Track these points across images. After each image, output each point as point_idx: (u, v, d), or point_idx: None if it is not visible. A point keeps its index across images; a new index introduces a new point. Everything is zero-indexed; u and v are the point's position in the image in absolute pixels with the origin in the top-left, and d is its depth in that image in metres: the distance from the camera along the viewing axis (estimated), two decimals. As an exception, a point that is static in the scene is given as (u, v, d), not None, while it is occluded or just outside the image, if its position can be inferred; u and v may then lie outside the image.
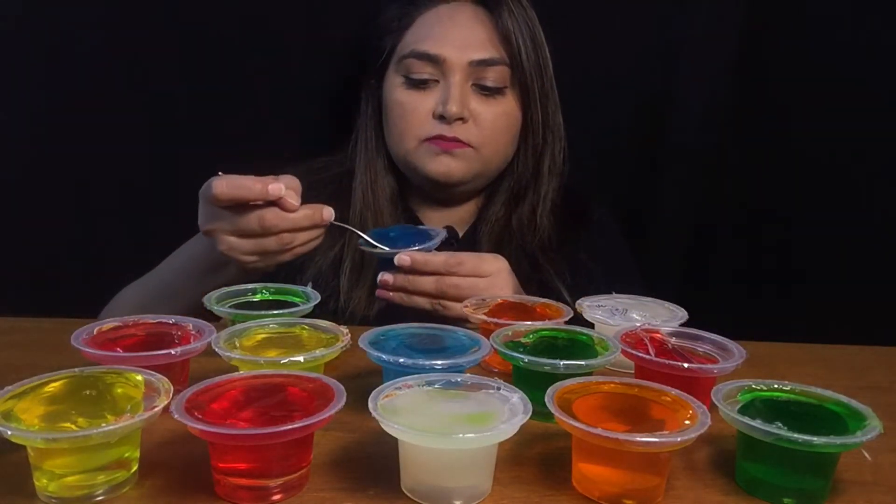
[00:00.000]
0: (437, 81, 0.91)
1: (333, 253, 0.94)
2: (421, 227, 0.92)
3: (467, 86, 0.91)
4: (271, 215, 0.72)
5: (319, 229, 0.77)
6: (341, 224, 0.79)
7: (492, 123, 0.91)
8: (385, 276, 0.78)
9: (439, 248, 0.80)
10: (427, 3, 0.94)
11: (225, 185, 0.70)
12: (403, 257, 0.76)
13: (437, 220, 0.99)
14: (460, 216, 1.00)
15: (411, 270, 0.77)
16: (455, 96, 0.89)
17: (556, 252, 0.96)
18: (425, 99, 0.91)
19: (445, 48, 0.90)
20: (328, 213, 0.76)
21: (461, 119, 0.90)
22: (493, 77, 0.90)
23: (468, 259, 0.77)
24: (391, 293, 0.79)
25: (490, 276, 0.78)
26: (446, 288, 0.76)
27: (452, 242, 0.97)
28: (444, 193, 0.96)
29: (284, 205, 0.73)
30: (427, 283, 0.76)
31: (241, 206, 0.72)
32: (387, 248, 0.78)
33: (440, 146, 0.90)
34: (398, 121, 0.93)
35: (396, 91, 0.93)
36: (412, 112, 0.91)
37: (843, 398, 0.50)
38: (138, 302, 0.86)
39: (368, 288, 0.91)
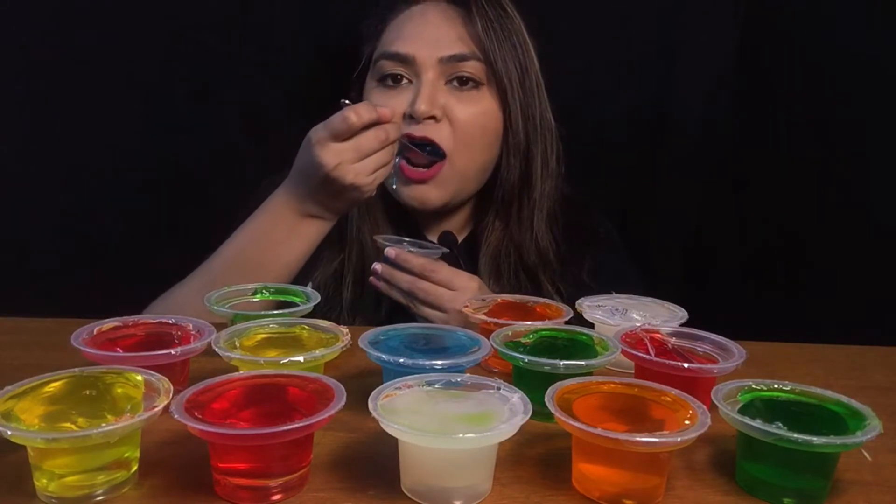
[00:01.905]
0: (410, 82, 0.89)
1: (333, 267, 0.94)
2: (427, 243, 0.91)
3: (440, 83, 0.88)
4: (382, 131, 0.81)
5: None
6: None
7: (467, 122, 0.88)
8: (376, 265, 0.85)
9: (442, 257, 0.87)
10: (400, 6, 0.93)
11: (357, 115, 0.79)
12: (390, 251, 0.84)
13: (435, 227, 0.98)
14: (457, 225, 0.99)
15: (394, 265, 0.83)
16: (424, 95, 0.86)
17: (559, 272, 0.94)
18: (397, 100, 0.88)
19: (414, 46, 0.88)
20: (398, 117, 0.86)
21: (433, 118, 0.87)
22: (466, 73, 0.88)
23: (442, 270, 0.83)
24: (380, 282, 0.85)
25: (458, 290, 0.82)
26: (416, 290, 0.82)
27: (451, 249, 0.97)
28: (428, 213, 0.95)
29: (384, 116, 0.81)
30: (403, 280, 0.83)
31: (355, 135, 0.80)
32: (395, 245, 0.85)
33: (411, 176, 0.89)
34: None
35: (371, 95, 0.91)
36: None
37: (843, 398, 0.50)
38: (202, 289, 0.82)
39: (372, 301, 0.91)
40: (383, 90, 0.90)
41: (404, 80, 0.89)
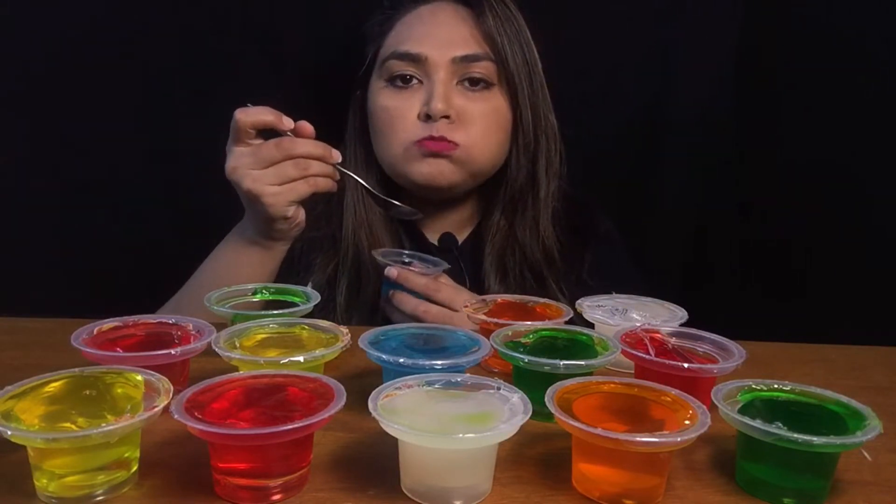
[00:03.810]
0: (420, 82, 0.89)
1: (328, 272, 0.93)
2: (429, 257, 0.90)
3: (452, 83, 0.88)
4: (287, 140, 0.78)
5: (332, 169, 0.81)
6: (348, 171, 0.84)
7: (479, 121, 0.89)
8: (393, 292, 0.83)
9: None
10: (407, 5, 0.93)
11: (245, 113, 0.78)
12: (392, 270, 0.82)
13: (435, 228, 0.97)
14: (458, 222, 0.99)
15: (396, 285, 0.82)
16: (440, 93, 0.86)
17: (561, 271, 0.94)
18: (410, 101, 0.88)
19: (427, 46, 0.88)
20: (336, 153, 0.81)
21: (447, 118, 0.87)
22: (478, 73, 0.88)
23: (444, 289, 0.81)
24: (386, 306, 0.83)
25: (460, 311, 0.79)
26: (420, 313, 0.80)
27: (452, 250, 0.96)
28: (435, 197, 0.94)
29: (300, 131, 0.80)
30: (408, 304, 0.81)
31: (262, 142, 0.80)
32: (390, 262, 0.83)
33: (427, 147, 0.87)
34: (384, 127, 0.90)
35: (380, 95, 0.91)
36: (398, 117, 0.89)
37: (843, 398, 0.50)
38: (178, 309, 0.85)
39: (368, 306, 0.91)
40: (393, 91, 0.90)
41: (414, 81, 0.89)
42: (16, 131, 1.06)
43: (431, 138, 0.87)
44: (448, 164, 0.89)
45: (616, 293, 0.75)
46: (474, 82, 0.89)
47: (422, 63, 0.88)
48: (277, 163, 0.78)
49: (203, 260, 0.88)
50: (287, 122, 0.79)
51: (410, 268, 0.83)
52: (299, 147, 0.78)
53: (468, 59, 0.88)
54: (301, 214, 0.83)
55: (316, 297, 0.70)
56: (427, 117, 0.87)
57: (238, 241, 0.86)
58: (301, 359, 0.53)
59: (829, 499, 0.47)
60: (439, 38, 0.88)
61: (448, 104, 0.87)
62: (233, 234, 0.87)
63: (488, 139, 0.91)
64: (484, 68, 0.89)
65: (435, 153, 0.88)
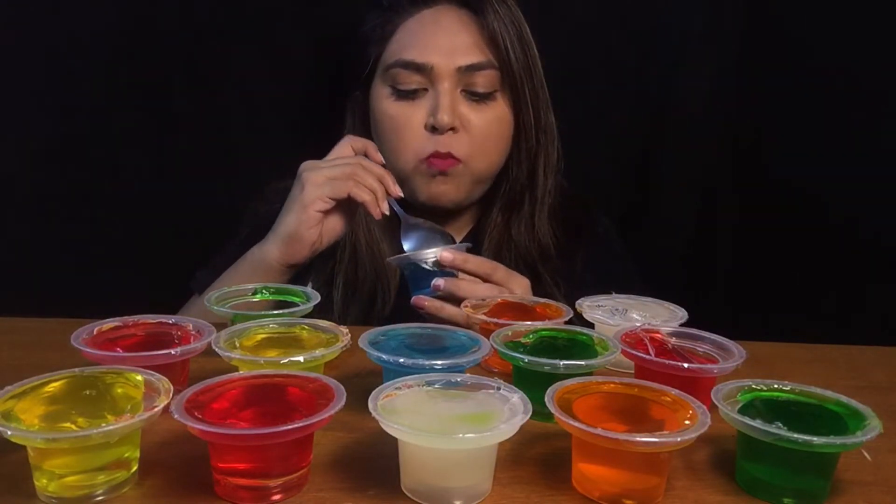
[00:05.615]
0: (425, 90, 0.89)
1: (326, 273, 0.93)
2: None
3: (457, 92, 0.89)
4: (361, 159, 0.83)
5: (380, 188, 0.81)
6: (399, 209, 0.85)
7: (483, 132, 0.89)
8: (438, 282, 0.76)
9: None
10: (409, 9, 0.92)
11: (355, 139, 0.86)
12: (446, 254, 0.77)
13: None
14: (457, 225, 1.00)
15: (444, 271, 0.78)
16: (445, 105, 0.87)
17: (557, 267, 0.94)
18: (416, 110, 0.89)
19: (432, 55, 0.88)
20: (398, 189, 0.83)
21: (452, 129, 0.88)
22: (482, 82, 0.89)
23: (499, 269, 0.79)
24: (427, 303, 0.77)
25: (517, 293, 0.79)
26: (489, 296, 0.74)
27: None
28: (438, 212, 0.94)
29: (373, 156, 0.85)
30: (479, 290, 0.76)
31: None
32: (412, 252, 0.80)
33: (435, 166, 0.89)
34: (391, 136, 0.91)
35: (385, 103, 0.91)
36: (404, 126, 0.89)
37: (843, 398, 0.50)
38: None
39: (365, 304, 0.91)
40: (400, 102, 0.90)
41: (420, 91, 0.89)
42: (16, 131, 1.06)
43: (438, 155, 0.88)
44: (452, 185, 0.91)
45: (614, 291, 0.75)
46: (478, 91, 0.89)
47: (427, 72, 0.88)
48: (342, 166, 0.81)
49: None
50: (379, 156, 0.85)
51: (439, 249, 0.77)
52: (366, 161, 0.83)
53: (473, 69, 0.88)
54: (311, 235, 0.81)
55: (316, 297, 0.70)
56: (433, 129, 0.88)
57: (244, 258, 0.85)
58: (301, 359, 0.53)
59: (829, 499, 0.47)
60: (444, 46, 0.88)
61: (454, 115, 0.88)
62: (248, 256, 0.85)
63: (490, 148, 0.91)
64: (488, 76, 0.89)
65: (441, 171, 0.89)
